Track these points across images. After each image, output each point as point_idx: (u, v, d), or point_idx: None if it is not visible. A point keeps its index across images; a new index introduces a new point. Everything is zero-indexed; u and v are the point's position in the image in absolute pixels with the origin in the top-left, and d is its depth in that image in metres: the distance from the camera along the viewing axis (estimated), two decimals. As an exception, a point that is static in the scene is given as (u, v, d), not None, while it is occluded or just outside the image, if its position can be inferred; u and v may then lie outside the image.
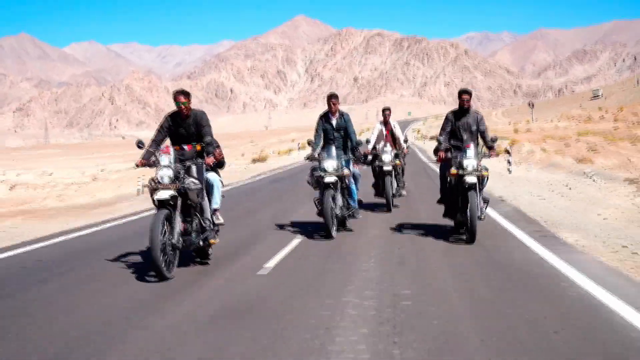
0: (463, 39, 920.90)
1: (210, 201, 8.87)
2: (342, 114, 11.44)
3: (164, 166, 8.00)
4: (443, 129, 10.59)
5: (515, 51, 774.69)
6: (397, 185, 15.36)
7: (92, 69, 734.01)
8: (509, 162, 27.17)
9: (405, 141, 22.82)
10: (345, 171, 11.02)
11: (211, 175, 8.93)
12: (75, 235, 12.38)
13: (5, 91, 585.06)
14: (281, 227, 12.27)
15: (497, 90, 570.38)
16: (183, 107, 8.69)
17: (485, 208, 10.47)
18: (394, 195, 14.91)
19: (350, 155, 11.54)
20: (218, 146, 9.12)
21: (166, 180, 7.93)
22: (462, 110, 10.50)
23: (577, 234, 10.71)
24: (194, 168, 8.41)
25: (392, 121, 15.57)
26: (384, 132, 15.32)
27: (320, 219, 10.97)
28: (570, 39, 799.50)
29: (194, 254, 9.06)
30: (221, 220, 9.04)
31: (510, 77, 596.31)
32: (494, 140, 10.48)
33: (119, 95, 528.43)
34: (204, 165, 8.54)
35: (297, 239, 10.72)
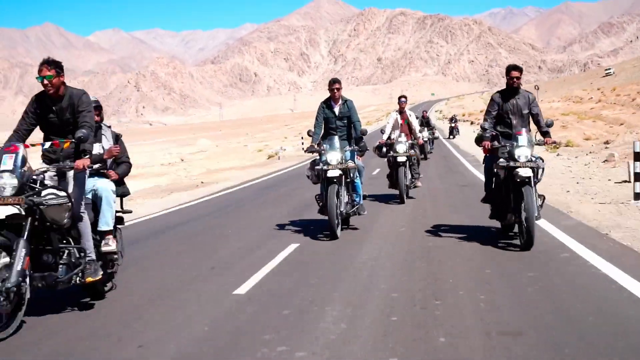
0: (486, 15, 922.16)
1: (97, 221, 6.53)
2: (345, 101, 10.62)
3: (3, 171, 5.49)
4: (488, 113, 9.28)
5: (540, 26, 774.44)
6: (412, 177, 14.85)
7: (116, 56, 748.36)
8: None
9: (433, 130, 28.77)
10: (350, 164, 10.09)
11: (101, 185, 6.61)
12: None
13: (33, 81, 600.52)
14: (279, 227, 11.32)
15: (522, 67, 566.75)
16: (47, 82, 6.05)
17: (542, 206, 8.96)
18: (408, 187, 14.51)
19: (355, 146, 10.58)
20: (126, 159, 7.33)
21: (7, 192, 5.45)
22: (511, 90, 9.16)
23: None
24: (69, 175, 6.12)
25: (408, 110, 15.18)
26: (399, 122, 14.81)
27: (323, 217, 10.30)
28: (596, 11, 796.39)
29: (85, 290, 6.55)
30: (112, 247, 6.56)
31: (535, 53, 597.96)
32: (549, 124, 9.12)
33: (144, 82, 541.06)
34: (86, 171, 6.14)
35: (295, 243, 9.54)
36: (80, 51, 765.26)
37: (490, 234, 9.66)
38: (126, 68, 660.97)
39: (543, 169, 8.72)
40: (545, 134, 9.09)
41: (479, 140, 9.22)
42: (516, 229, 9.12)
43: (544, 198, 9.20)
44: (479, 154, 24.18)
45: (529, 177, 8.37)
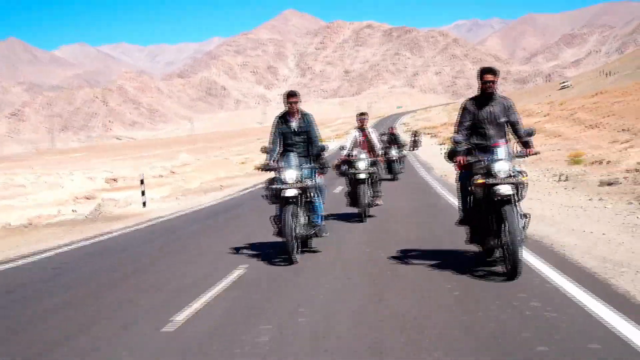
0: (452, 27, 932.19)
1: None
2: (304, 115, 10.06)
3: None
4: (460, 123, 8.25)
5: (505, 37, 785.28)
6: (373, 195, 14.44)
7: (83, 71, 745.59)
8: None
9: (402, 147, 27.35)
10: (309, 182, 9.56)
11: None
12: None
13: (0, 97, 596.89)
14: (226, 249, 10.77)
15: (498, 70, 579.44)
16: None
17: (527, 226, 7.76)
18: (369, 205, 14.10)
19: (314, 163, 10.05)
20: None
21: None
22: (485, 96, 8.12)
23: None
24: None
25: (369, 127, 14.95)
26: (360, 139, 14.64)
27: (280, 239, 9.50)
28: (559, 23, 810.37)
29: None
30: None
31: (500, 64, 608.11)
32: (530, 133, 8.13)
33: (112, 97, 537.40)
34: None
35: (243, 267, 8.95)
36: (47, 66, 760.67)
37: (465, 259, 8.60)
38: (93, 83, 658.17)
39: (526, 184, 7.69)
40: (526, 144, 8.14)
41: (451, 155, 8.29)
42: (499, 254, 7.94)
43: (529, 217, 7.93)
44: (448, 169, 24.18)
45: (510, 195, 7.40)
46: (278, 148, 10.00)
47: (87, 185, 49.16)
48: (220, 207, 20.67)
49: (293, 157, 9.63)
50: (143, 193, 23.49)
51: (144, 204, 23.11)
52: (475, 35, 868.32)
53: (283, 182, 9.37)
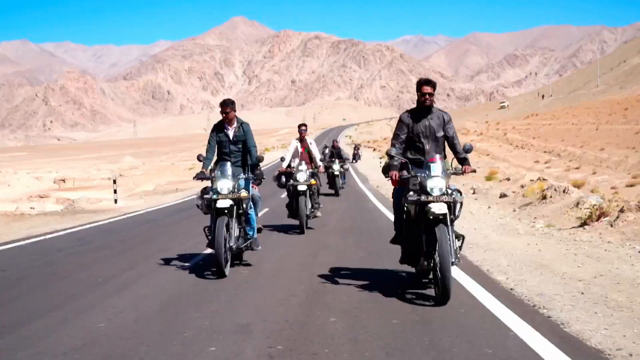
0: (399, 42, 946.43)
1: None
2: (241, 124, 9.72)
3: None
4: (396, 136, 7.77)
5: (449, 54, 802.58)
6: (312, 206, 14.68)
7: (24, 68, 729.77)
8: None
9: (344, 162, 26.74)
10: (243, 193, 9.20)
11: None
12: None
13: None
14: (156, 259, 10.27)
15: (435, 82, 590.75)
16: None
17: (461, 247, 7.52)
18: (308, 217, 14.28)
19: (250, 174, 9.69)
20: None
21: None
22: (423, 109, 7.66)
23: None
24: None
25: (309, 138, 15.09)
26: (300, 150, 14.77)
27: (212, 251, 9.19)
28: (503, 43, 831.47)
29: None
30: None
31: (444, 81, 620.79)
32: (467, 149, 7.69)
33: (53, 96, 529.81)
34: None
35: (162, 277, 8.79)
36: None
37: (400, 280, 8.26)
38: (34, 81, 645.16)
39: (461, 203, 7.35)
40: (463, 161, 7.76)
41: (386, 170, 7.90)
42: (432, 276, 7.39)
43: (463, 238, 7.69)
44: (381, 181, 26.92)
45: (443, 215, 6.97)
46: (214, 157, 9.80)
47: (35, 185, 50.56)
48: (185, 204, 22.55)
49: (228, 167, 9.26)
50: (115, 191, 26.94)
51: (115, 201, 26.15)
52: (421, 51, 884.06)
53: (217, 192, 9.00)
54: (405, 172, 7.47)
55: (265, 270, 9.22)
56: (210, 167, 9.61)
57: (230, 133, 9.66)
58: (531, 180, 22.67)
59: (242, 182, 9.44)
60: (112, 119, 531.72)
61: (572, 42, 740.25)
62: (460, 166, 7.71)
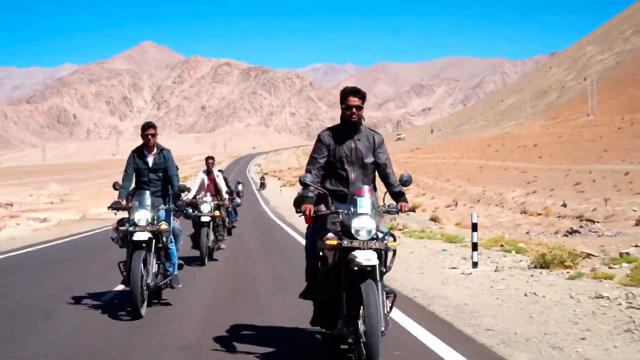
0: (309, 70, 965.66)
1: None
2: (161, 150, 9.18)
3: None
4: (312, 160, 6.19)
5: (358, 82, 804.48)
6: (216, 238, 14.63)
7: None
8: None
9: (238, 194, 23.48)
10: (163, 225, 8.52)
11: None
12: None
13: None
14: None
15: (364, 93, 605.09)
16: None
17: (391, 308, 5.82)
18: (211, 249, 14.25)
19: (171, 204, 9.11)
20: None
21: None
22: (348, 126, 6.15)
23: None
24: None
25: (216, 170, 15.01)
26: (206, 182, 14.69)
27: (127, 288, 8.38)
28: (410, 73, 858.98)
29: None
30: None
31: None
32: (405, 181, 6.00)
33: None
34: None
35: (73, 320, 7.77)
36: None
37: (314, 342, 6.73)
38: None
39: (394, 251, 5.53)
40: (399, 195, 6.03)
41: (298, 202, 6.19)
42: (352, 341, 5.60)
43: (395, 297, 5.88)
44: (280, 201, 33.86)
45: (372, 267, 5.23)
46: (131, 185, 9.09)
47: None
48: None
49: (147, 197, 8.53)
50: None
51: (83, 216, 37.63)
52: (331, 79, 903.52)
53: (134, 224, 8.24)
54: (323, 207, 5.76)
55: (182, 313, 8.28)
56: (127, 196, 8.94)
57: (150, 160, 9.06)
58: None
59: (162, 214, 8.85)
60: (15, 144, 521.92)
61: (475, 73, 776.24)
62: (394, 202, 5.95)
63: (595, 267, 11.54)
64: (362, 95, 6.07)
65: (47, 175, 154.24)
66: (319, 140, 6.21)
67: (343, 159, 6.07)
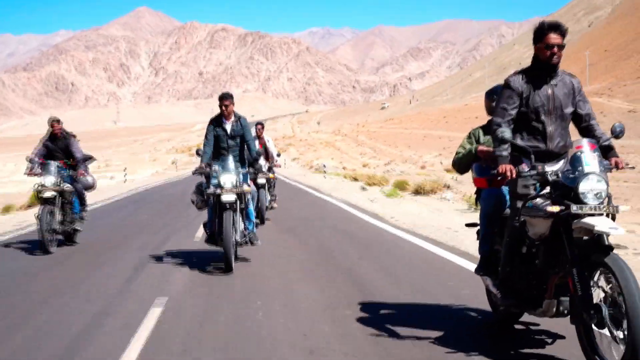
0: (306, 34, 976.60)
1: None
2: (238, 118, 9.63)
3: None
4: (502, 110, 5.07)
5: (355, 47, 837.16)
6: (270, 199, 15.22)
7: None
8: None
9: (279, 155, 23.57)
10: (245, 187, 9.23)
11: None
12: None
13: None
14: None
15: (338, 86, 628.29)
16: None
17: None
18: (266, 208, 14.19)
19: (250, 168, 9.76)
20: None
21: None
22: (545, 70, 5.03)
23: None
24: None
25: (266, 136, 15.12)
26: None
27: (209, 248, 9.46)
28: (406, 37, 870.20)
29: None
30: None
31: (350, 73, 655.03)
32: (618, 132, 4.90)
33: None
34: None
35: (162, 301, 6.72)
36: None
37: (472, 323, 5.84)
38: None
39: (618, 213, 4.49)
40: (608, 150, 4.96)
41: (467, 160, 5.73)
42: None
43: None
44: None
45: (609, 247, 4.31)
46: (211, 151, 9.50)
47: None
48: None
49: (230, 161, 9.06)
50: (125, 174, 45.59)
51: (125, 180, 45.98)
52: (327, 43, 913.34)
53: (221, 187, 8.81)
54: (524, 166, 4.91)
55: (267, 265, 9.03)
56: (208, 162, 9.32)
57: (228, 127, 9.52)
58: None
59: (242, 177, 9.31)
60: (14, 111, 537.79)
61: (472, 36, 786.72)
62: (606, 161, 4.76)
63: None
64: (563, 32, 4.93)
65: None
66: (509, 87, 5.05)
67: (539, 109, 4.97)
